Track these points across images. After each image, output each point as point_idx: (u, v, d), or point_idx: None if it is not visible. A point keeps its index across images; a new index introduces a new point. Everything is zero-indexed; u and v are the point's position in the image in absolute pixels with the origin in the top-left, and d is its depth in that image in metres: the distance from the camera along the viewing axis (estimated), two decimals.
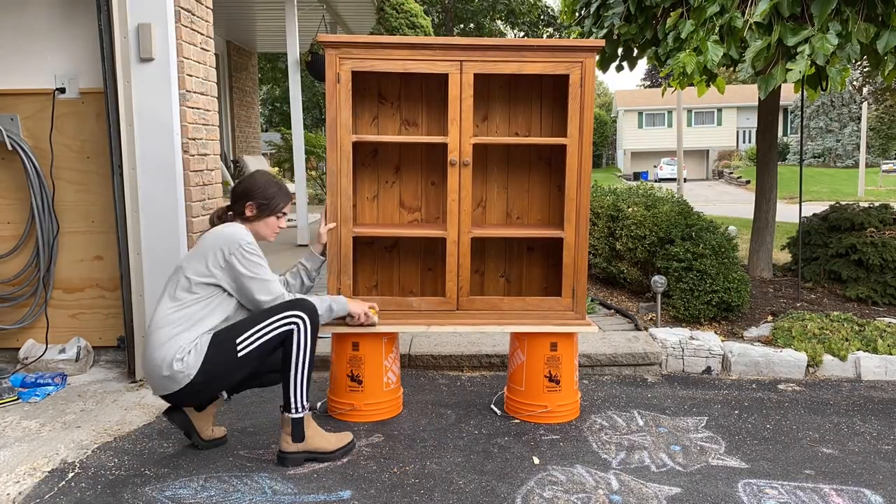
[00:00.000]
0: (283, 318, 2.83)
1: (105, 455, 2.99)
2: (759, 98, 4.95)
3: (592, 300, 5.39)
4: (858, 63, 7.39)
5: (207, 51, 4.19)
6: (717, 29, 4.28)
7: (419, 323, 3.38)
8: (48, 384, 3.73)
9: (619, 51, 5.40)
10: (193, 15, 3.99)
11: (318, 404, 3.52)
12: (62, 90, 3.99)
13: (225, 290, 2.86)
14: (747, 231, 7.13)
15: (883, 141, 33.79)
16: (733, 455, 3.00)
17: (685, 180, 26.80)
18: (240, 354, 2.80)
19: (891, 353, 4.10)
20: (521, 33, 30.08)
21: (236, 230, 2.89)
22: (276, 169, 15.07)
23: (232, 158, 10.75)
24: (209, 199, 4.19)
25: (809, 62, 4.01)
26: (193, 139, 3.95)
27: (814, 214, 6.16)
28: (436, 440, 3.14)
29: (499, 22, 29.31)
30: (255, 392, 3.75)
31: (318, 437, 2.95)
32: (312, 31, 8.80)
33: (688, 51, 4.34)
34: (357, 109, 3.52)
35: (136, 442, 3.13)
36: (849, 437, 3.20)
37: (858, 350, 4.15)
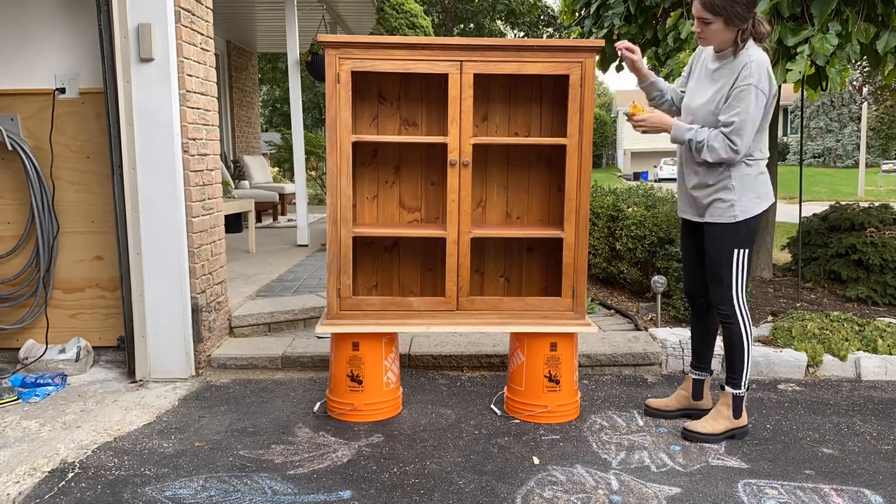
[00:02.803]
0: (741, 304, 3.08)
1: (105, 455, 2.99)
2: None
3: (592, 300, 5.39)
4: (858, 63, 7.39)
5: (207, 51, 4.19)
6: None
7: (419, 323, 3.38)
8: (48, 384, 3.73)
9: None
10: (193, 15, 3.99)
11: (318, 404, 3.53)
12: (62, 90, 3.99)
13: None
14: None
15: (883, 141, 33.82)
16: (733, 455, 3.00)
17: None
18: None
19: (891, 353, 4.09)
20: (521, 33, 30.07)
21: None
22: (277, 169, 15.05)
23: (232, 158, 10.75)
24: (209, 198, 4.19)
25: (809, 62, 4.01)
26: (193, 139, 3.95)
27: (814, 214, 6.16)
28: (436, 440, 3.14)
29: (499, 22, 29.30)
30: (255, 392, 3.76)
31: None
32: (312, 31, 8.80)
33: (688, 51, 4.34)
34: (357, 109, 3.52)
35: (136, 442, 3.13)
36: (849, 437, 3.20)
37: (858, 350, 4.14)
